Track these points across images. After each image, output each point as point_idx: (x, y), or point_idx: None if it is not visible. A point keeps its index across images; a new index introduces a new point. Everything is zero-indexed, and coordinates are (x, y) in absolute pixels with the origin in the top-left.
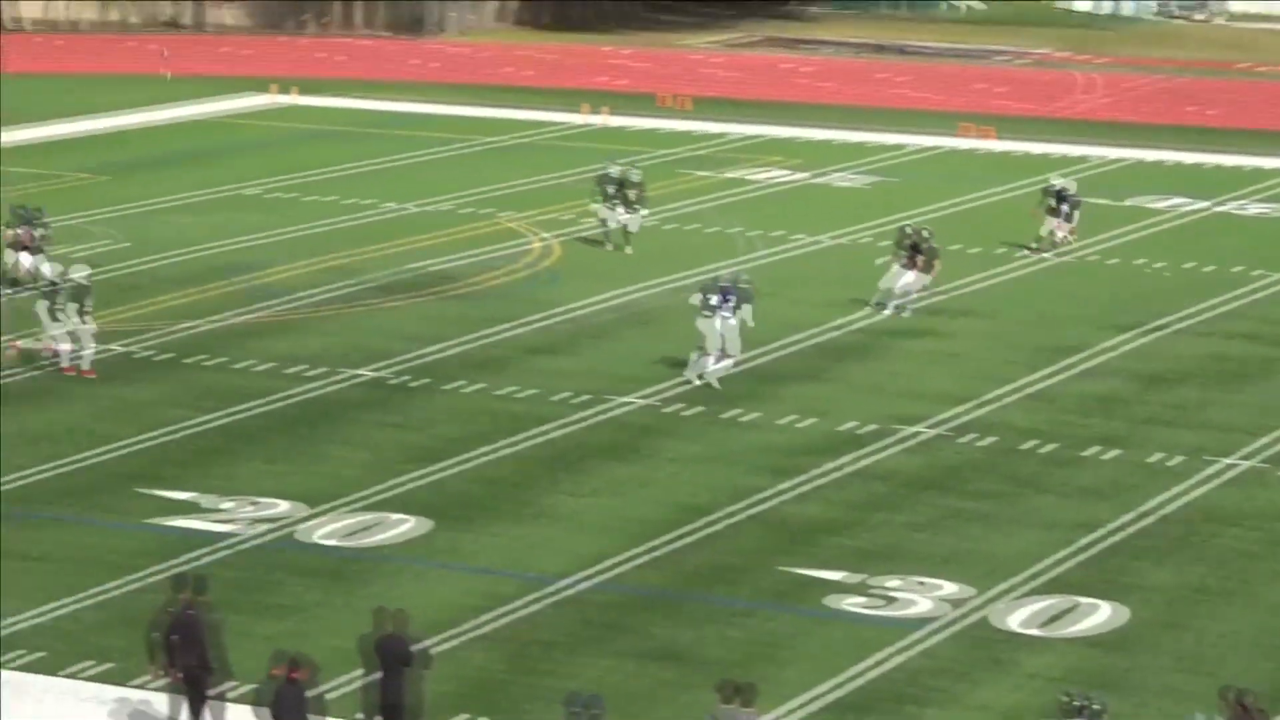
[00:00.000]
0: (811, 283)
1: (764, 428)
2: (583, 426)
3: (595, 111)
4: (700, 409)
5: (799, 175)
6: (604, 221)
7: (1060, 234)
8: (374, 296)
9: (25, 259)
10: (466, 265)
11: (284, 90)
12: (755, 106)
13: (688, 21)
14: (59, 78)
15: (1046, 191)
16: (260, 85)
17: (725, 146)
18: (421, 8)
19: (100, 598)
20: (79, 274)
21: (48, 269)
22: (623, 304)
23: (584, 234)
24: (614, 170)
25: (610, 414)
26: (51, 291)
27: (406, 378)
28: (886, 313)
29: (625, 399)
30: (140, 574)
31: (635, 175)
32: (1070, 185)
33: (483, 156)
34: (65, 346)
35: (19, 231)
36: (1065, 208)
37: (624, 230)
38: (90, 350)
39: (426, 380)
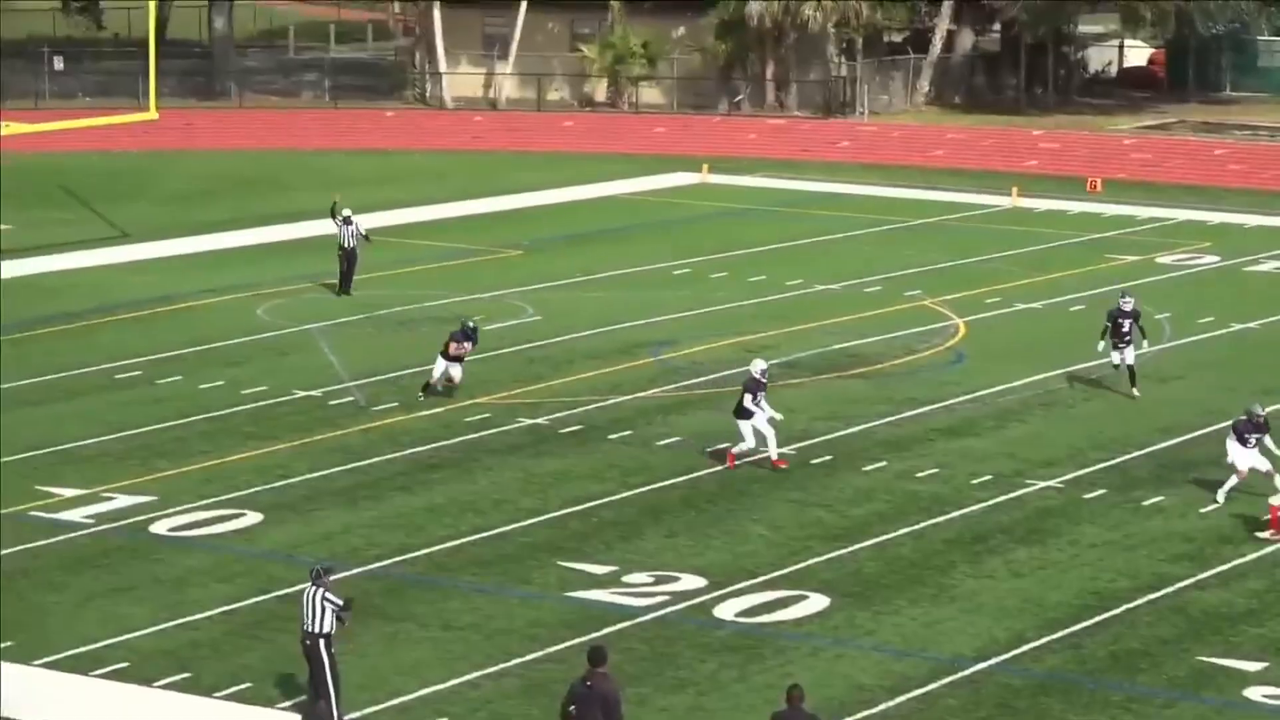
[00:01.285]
0: (1225, 369)
1: (1172, 513)
2: (986, 507)
3: (1023, 194)
4: (1106, 492)
5: (1215, 259)
6: (1116, 365)
7: None
8: (785, 374)
9: (453, 370)
10: (877, 344)
11: (701, 169)
12: (1178, 190)
13: (1110, 104)
14: (483, 155)
15: None
16: (688, 165)
17: (1148, 229)
18: (838, 88)
19: (517, 668)
20: (756, 369)
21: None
22: (1030, 385)
23: (1084, 372)
24: (1128, 303)
25: (1015, 495)
26: (754, 387)
27: (814, 455)
28: None
29: (1031, 481)
30: (557, 646)
31: (1133, 305)
32: None
33: (900, 236)
34: (748, 444)
35: (456, 343)
36: None
37: (1129, 370)
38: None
39: (831, 458)
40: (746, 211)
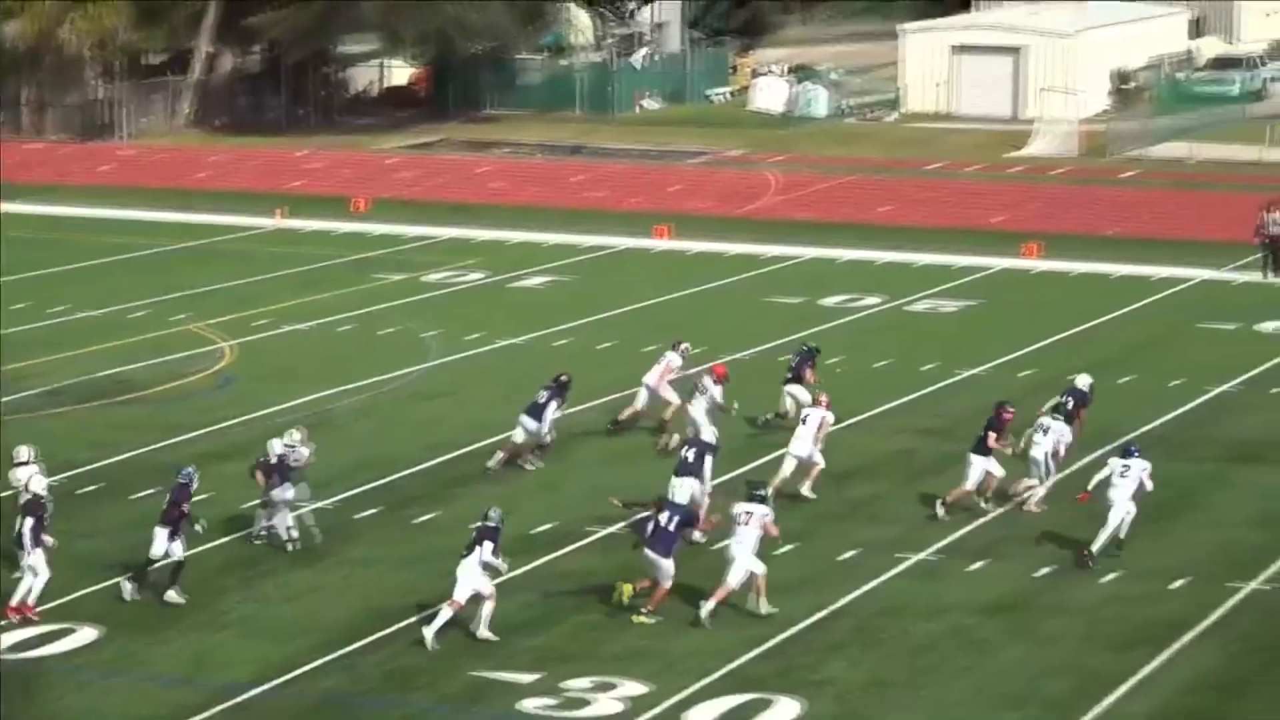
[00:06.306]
0: (495, 383)
1: (445, 529)
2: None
3: (287, 215)
4: (379, 510)
5: (480, 276)
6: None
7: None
8: (51, 403)
9: None
10: (145, 370)
11: None
12: (443, 209)
13: (374, 124)
14: None
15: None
16: None
17: (414, 248)
18: (97, 111)
19: None
20: None
21: None
22: (302, 406)
23: None
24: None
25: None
26: None
27: (80, 485)
28: None
29: (305, 504)
30: None
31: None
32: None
33: (166, 260)
34: None
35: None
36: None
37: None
38: None
39: (100, 487)
40: (9, 239)
